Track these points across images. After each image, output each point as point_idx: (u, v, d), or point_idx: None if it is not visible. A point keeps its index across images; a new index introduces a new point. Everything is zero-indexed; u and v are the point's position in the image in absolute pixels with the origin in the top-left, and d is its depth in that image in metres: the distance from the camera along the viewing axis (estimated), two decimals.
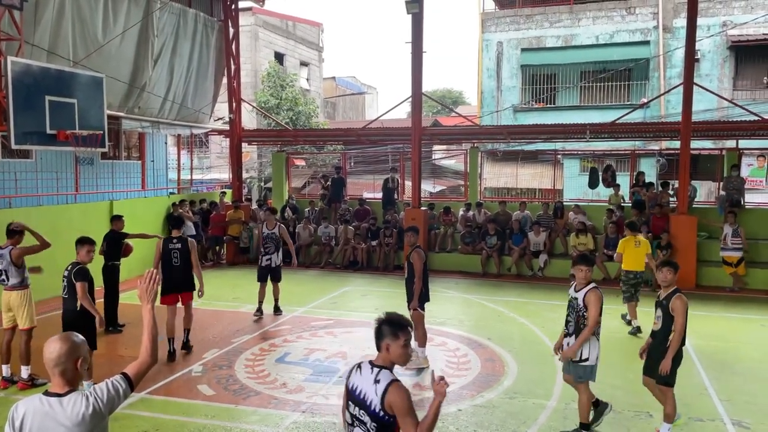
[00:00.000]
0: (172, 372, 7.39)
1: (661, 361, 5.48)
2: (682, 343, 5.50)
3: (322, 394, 6.76)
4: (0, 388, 6.89)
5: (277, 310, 10.40)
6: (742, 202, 14.34)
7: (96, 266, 9.44)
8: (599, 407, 5.87)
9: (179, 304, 8.28)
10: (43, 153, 12.06)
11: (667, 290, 5.57)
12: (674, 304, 5.42)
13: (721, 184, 15.11)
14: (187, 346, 8.35)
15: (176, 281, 8.18)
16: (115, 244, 9.63)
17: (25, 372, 6.92)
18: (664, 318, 5.52)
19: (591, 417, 5.79)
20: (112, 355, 8.16)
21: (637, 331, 9.25)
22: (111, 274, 9.62)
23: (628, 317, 9.64)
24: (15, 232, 7.08)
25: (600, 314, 5.48)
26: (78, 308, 6.49)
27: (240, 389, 6.91)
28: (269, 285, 10.38)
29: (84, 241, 6.71)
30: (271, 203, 18.03)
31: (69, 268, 6.60)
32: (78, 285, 6.42)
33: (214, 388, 6.93)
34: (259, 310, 10.29)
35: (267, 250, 10.31)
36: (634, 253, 9.44)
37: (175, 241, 8.26)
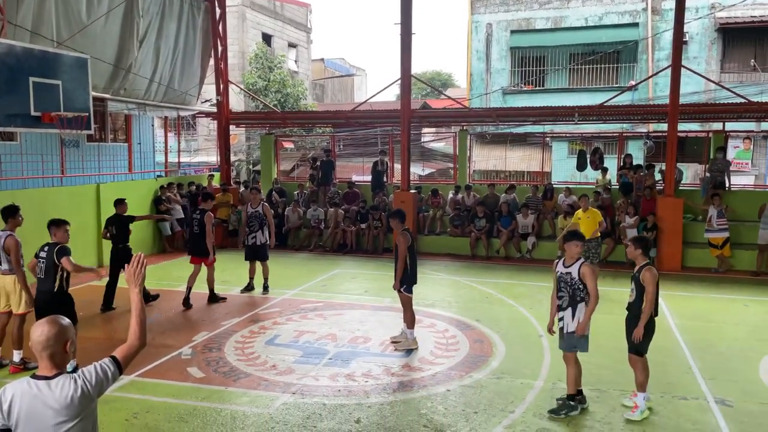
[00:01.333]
0: (161, 354, 7.40)
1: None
2: (655, 314, 5.75)
3: (312, 375, 6.80)
4: None
5: (265, 290, 10.58)
6: (726, 185, 14.48)
7: (106, 250, 10.12)
8: (578, 398, 5.96)
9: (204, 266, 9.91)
10: (28, 135, 11.92)
11: (639, 264, 5.84)
12: (644, 275, 5.72)
13: (706, 166, 15.24)
14: (215, 298, 9.97)
15: (193, 246, 9.97)
16: (123, 227, 9.79)
17: (17, 356, 6.90)
18: (637, 290, 5.80)
19: (562, 403, 5.90)
20: (102, 338, 8.15)
21: None
22: (124, 257, 9.63)
23: None
24: (10, 214, 6.98)
25: (596, 287, 5.79)
26: (55, 289, 6.51)
27: (230, 371, 6.94)
28: (258, 265, 10.72)
29: (60, 223, 6.76)
30: (260, 185, 17.96)
31: (47, 249, 6.60)
32: (64, 259, 6.50)
33: (203, 371, 6.95)
34: (249, 286, 10.70)
35: (251, 228, 10.55)
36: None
37: (197, 212, 9.92)
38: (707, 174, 14.76)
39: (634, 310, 5.82)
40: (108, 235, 9.78)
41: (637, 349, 5.80)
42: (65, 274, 6.60)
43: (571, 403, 5.84)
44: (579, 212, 11.05)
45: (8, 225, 6.95)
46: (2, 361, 7.01)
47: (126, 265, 3.18)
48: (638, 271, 5.80)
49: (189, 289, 9.78)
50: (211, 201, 10.44)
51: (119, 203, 9.94)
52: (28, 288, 6.91)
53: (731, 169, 15.49)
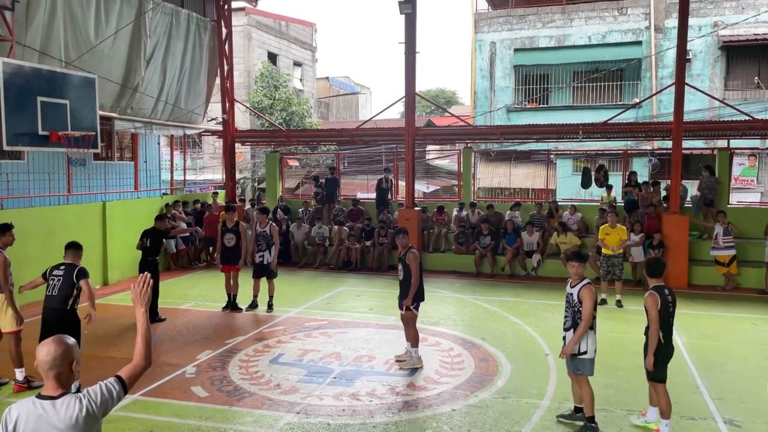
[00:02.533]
0: (165, 373, 7.38)
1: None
2: (664, 340, 5.59)
3: (316, 394, 6.76)
4: None
5: (270, 308, 10.62)
6: (715, 202, 14.43)
7: (134, 260, 10.50)
8: (578, 414, 5.96)
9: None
10: (35, 154, 12.00)
11: (649, 288, 5.78)
12: (645, 301, 5.63)
13: (696, 184, 15.23)
14: (236, 308, 10.64)
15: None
16: (157, 241, 10.14)
17: (20, 375, 6.87)
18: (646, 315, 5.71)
19: (584, 425, 5.90)
20: (104, 357, 8.14)
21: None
22: (152, 269, 9.82)
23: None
24: (0, 231, 7.01)
25: (594, 309, 5.69)
26: (68, 307, 6.51)
27: (234, 390, 6.91)
28: (264, 282, 10.78)
29: (79, 247, 6.83)
30: (265, 203, 18.03)
31: (63, 268, 6.61)
32: (83, 281, 6.56)
33: (207, 390, 6.92)
34: (253, 304, 10.77)
35: (259, 247, 10.62)
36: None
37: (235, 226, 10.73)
38: (697, 192, 14.77)
39: (647, 337, 5.69)
40: (142, 246, 10.06)
41: (653, 376, 5.68)
42: (77, 294, 6.62)
43: (592, 425, 5.78)
44: (606, 227, 11.32)
45: None
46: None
47: (132, 285, 3.19)
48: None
49: (229, 295, 10.76)
50: (233, 212, 10.90)
51: (160, 219, 10.42)
52: (15, 306, 6.87)
53: (733, 186, 15.44)
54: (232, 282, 10.69)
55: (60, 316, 6.45)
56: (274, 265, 10.72)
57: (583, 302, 5.62)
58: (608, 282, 11.22)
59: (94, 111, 10.70)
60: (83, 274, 6.60)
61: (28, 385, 6.83)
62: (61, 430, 2.71)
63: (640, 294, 11.91)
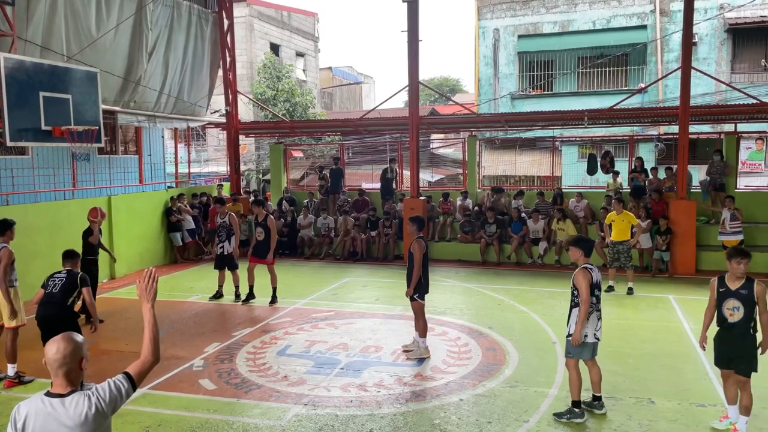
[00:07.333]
0: (173, 367, 7.40)
1: (744, 351, 5.38)
2: (754, 328, 5.40)
3: (323, 386, 6.77)
4: None
5: (237, 297, 10.87)
6: (725, 187, 14.32)
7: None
8: (597, 403, 5.93)
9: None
10: (39, 149, 12.00)
11: (741, 280, 5.46)
12: (759, 291, 5.32)
13: (705, 168, 15.10)
14: (273, 299, 10.53)
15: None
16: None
17: (11, 370, 6.91)
18: (746, 308, 5.37)
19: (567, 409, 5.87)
20: (112, 351, 8.17)
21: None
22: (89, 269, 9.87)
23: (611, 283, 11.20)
24: (4, 229, 7.04)
25: (588, 292, 5.69)
26: (68, 303, 6.59)
27: (241, 383, 6.92)
28: (228, 273, 11.07)
29: (75, 254, 7.02)
30: (269, 195, 18.03)
31: (64, 273, 6.77)
32: (85, 290, 6.72)
33: (215, 383, 6.94)
34: (217, 294, 11.02)
35: (219, 238, 11.01)
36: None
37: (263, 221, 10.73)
38: (706, 176, 14.65)
39: (740, 330, 5.37)
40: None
41: (752, 369, 5.38)
42: (78, 295, 6.72)
43: (576, 410, 5.78)
44: (612, 214, 11.23)
45: (3, 238, 7.02)
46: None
47: (138, 280, 3.18)
48: (744, 288, 5.36)
49: (251, 287, 10.78)
50: (262, 206, 10.93)
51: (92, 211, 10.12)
52: (10, 300, 6.92)
53: (740, 170, 15.31)
54: (270, 275, 10.56)
55: (59, 311, 6.50)
56: (236, 255, 10.93)
57: (578, 286, 5.69)
58: (616, 269, 11.17)
59: (97, 105, 10.67)
60: (86, 281, 6.78)
61: (19, 380, 6.89)
62: (70, 428, 2.71)
63: (647, 281, 11.92)
